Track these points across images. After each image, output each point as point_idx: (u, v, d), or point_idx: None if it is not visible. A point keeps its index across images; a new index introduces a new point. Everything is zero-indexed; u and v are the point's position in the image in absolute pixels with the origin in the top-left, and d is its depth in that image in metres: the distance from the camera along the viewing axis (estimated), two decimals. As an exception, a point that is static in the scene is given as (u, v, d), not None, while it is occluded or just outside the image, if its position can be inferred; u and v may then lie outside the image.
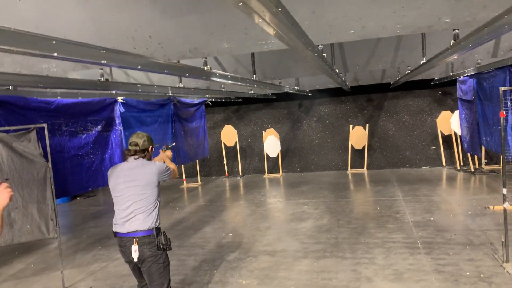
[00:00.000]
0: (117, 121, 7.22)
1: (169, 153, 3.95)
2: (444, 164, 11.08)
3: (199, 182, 11.54)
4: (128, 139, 3.44)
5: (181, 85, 6.84)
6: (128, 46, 3.93)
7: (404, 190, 8.67)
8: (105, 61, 2.78)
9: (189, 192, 10.68)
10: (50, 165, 4.81)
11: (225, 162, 12.33)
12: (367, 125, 11.65)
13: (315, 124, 12.76)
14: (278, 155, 11.91)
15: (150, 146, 3.49)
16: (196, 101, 10.52)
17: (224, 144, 12.20)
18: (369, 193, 8.80)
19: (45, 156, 4.86)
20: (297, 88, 9.72)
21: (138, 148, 3.38)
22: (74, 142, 6.19)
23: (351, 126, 11.69)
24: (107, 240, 6.78)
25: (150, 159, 3.51)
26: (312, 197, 8.78)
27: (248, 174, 12.58)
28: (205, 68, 4.57)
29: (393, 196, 8.26)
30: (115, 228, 3.32)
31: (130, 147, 3.40)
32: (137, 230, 3.22)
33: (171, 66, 3.81)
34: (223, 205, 8.80)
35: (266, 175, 12.04)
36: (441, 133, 10.82)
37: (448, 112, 10.62)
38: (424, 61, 5.78)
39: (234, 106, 12.96)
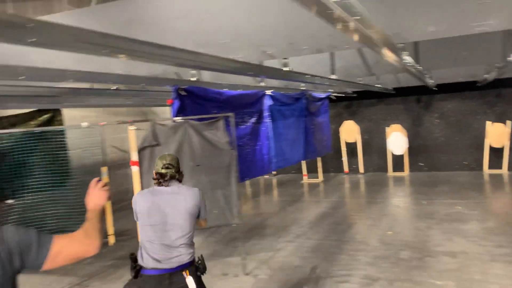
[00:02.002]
0: (265, 114, 7.28)
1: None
2: None
3: (321, 178, 11.35)
4: (157, 160, 2.89)
5: (333, 76, 6.69)
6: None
7: None
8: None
9: (312, 188, 10.54)
10: (235, 153, 4.90)
11: (344, 158, 12.03)
12: (509, 122, 10.60)
13: (438, 120, 11.97)
14: (404, 152, 11.31)
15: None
16: (323, 95, 10.36)
17: (344, 140, 11.90)
18: (526, 195, 7.95)
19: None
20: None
21: (174, 171, 2.85)
22: (236, 133, 6.31)
23: (488, 122, 10.73)
24: (259, 230, 6.85)
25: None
26: (459, 197, 8.15)
27: (368, 171, 12.14)
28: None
29: (560, 199, 7.38)
30: (149, 264, 2.67)
31: (163, 171, 2.82)
32: (183, 262, 2.71)
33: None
34: (362, 202, 8.52)
35: (390, 173, 11.51)
36: None
37: None
38: None
39: (344, 102, 12.54)
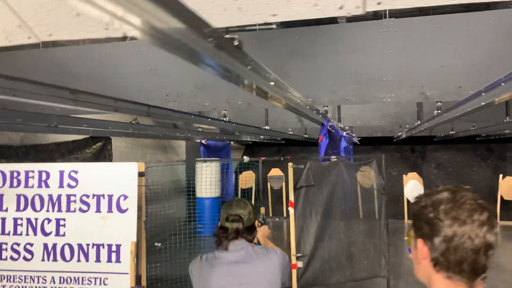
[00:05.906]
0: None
1: (266, 229, 2.34)
2: None
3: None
4: (222, 210, 2.07)
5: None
6: None
7: None
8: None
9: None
10: (385, 198, 4.56)
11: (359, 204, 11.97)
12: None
13: (436, 171, 12.56)
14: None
15: (256, 221, 2.13)
16: (354, 139, 10.32)
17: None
18: None
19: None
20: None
21: (242, 226, 1.99)
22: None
23: (501, 176, 11.33)
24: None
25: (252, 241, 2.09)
26: None
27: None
28: None
29: None
30: None
31: (227, 225, 1.99)
32: None
33: None
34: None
35: (406, 221, 11.63)
36: None
37: None
38: None
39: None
